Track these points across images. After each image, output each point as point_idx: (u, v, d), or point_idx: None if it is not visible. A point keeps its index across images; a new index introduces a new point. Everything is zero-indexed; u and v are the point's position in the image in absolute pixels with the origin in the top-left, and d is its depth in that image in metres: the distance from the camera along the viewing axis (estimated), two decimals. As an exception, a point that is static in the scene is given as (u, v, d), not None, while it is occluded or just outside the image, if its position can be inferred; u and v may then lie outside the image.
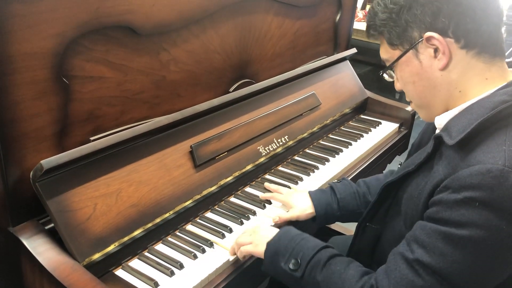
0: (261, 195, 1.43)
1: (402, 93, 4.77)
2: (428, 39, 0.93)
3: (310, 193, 1.36)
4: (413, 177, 1.02)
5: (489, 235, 0.82)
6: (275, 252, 1.07)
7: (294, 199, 1.35)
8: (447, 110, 1.00)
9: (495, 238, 0.83)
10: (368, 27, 1.04)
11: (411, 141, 2.08)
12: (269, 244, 1.09)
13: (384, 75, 1.08)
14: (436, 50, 0.94)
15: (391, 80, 1.08)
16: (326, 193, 1.35)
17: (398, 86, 1.06)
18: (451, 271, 0.85)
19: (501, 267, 0.87)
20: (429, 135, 1.13)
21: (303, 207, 1.33)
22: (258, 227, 1.18)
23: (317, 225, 1.35)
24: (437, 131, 1.03)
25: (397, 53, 1.00)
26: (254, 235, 1.15)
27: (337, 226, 2.22)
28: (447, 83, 0.96)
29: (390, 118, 2.06)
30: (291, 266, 1.04)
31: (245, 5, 1.54)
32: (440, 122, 1.00)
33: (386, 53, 1.03)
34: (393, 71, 1.05)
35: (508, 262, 0.87)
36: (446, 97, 0.98)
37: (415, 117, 2.07)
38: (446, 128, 0.95)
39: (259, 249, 1.11)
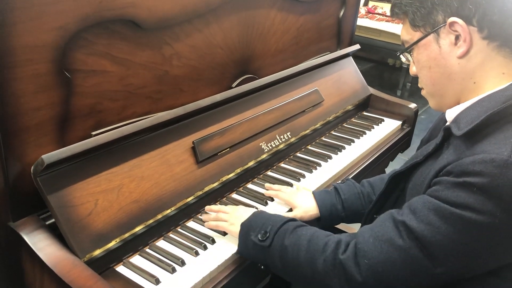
0: (265, 192, 1.42)
1: (403, 90, 4.77)
2: (452, 24, 0.93)
3: (314, 193, 1.35)
4: (419, 167, 1.03)
5: (481, 219, 0.84)
6: (247, 229, 1.13)
7: (298, 198, 1.34)
8: (458, 102, 0.99)
9: (486, 224, 0.84)
10: (393, 5, 1.03)
11: (414, 138, 2.07)
12: (242, 225, 1.15)
13: (401, 56, 1.07)
14: (457, 37, 0.93)
15: (407, 63, 1.07)
16: (331, 194, 1.34)
17: (413, 70, 1.05)
18: (433, 241, 0.87)
19: (484, 252, 0.87)
20: (438, 131, 1.13)
21: (307, 208, 1.32)
22: (237, 208, 1.25)
23: (321, 226, 1.34)
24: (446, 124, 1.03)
25: (418, 35, 0.99)
26: (231, 214, 1.22)
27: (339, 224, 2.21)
28: (463, 73, 0.95)
29: (393, 115, 2.04)
30: (260, 237, 1.09)
31: (249, 0, 1.52)
32: (451, 115, 1.00)
33: (407, 34, 1.02)
34: (411, 54, 1.04)
35: (493, 250, 0.87)
36: (460, 88, 0.97)
37: (418, 114, 2.06)
38: (455, 120, 0.95)
39: (233, 228, 1.18)
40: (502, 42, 0.92)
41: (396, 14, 1.03)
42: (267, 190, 1.44)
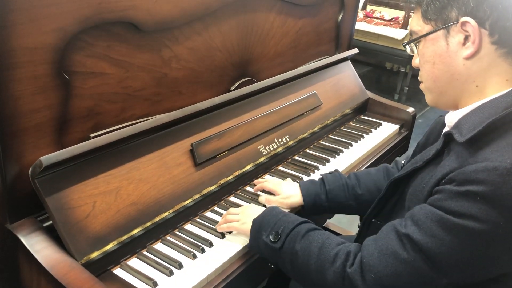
0: (254, 189, 1.44)
1: (401, 94, 4.78)
2: (464, 23, 0.91)
3: (300, 183, 1.38)
4: (419, 173, 1.02)
5: (485, 228, 0.83)
6: (259, 227, 1.13)
7: (283, 187, 1.37)
8: (456, 103, 0.99)
9: (490, 233, 0.83)
10: None
11: (411, 142, 2.07)
12: (254, 221, 1.15)
13: (406, 47, 1.05)
14: (466, 38, 0.92)
15: (411, 54, 1.06)
16: (316, 184, 1.37)
17: (415, 62, 1.04)
18: (437, 253, 0.87)
19: (489, 262, 0.87)
20: (435, 135, 1.13)
21: (292, 195, 1.35)
22: (247, 207, 1.25)
23: (305, 214, 1.35)
24: (446, 128, 1.03)
25: (428, 28, 0.97)
26: (242, 213, 1.22)
27: (335, 226, 2.21)
28: (466, 74, 0.94)
29: (391, 119, 2.05)
30: (271, 238, 1.09)
31: (248, 3, 1.52)
32: (450, 120, 0.99)
33: (417, 25, 1.00)
34: (417, 46, 1.02)
35: (498, 259, 0.87)
36: (461, 89, 0.96)
37: (416, 118, 2.06)
38: (457, 125, 0.95)
39: (245, 227, 1.17)
40: (510, 49, 0.91)
41: (409, 3, 1.02)
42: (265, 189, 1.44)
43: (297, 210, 1.37)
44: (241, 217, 1.21)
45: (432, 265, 0.88)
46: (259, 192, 1.43)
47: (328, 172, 1.43)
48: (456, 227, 0.85)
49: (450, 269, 0.87)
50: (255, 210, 1.21)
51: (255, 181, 1.47)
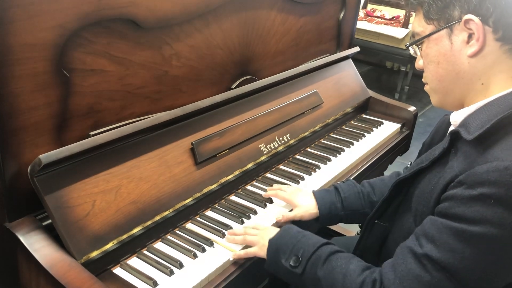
0: (264, 193, 1.41)
1: (401, 93, 4.77)
2: (467, 21, 0.90)
3: (314, 192, 1.34)
4: (425, 173, 1.00)
5: (502, 233, 0.81)
6: (277, 249, 1.08)
7: (298, 198, 1.33)
8: (461, 102, 0.98)
9: (509, 237, 0.81)
10: None
11: (413, 142, 2.07)
12: (270, 242, 1.10)
13: (409, 48, 1.04)
14: (470, 36, 0.91)
15: (414, 55, 1.04)
16: (330, 192, 1.34)
17: (419, 64, 1.03)
18: (460, 268, 0.84)
19: (511, 267, 0.85)
20: (440, 135, 1.12)
21: (307, 207, 1.31)
22: (266, 229, 1.18)
23: (320, 225, 1.33)
24: (451, 128, 1.02)
25: (431, 28, 0.96)
26: (260, 235, 1.16)
27: (338, 227, 2.20)
28: (471, 73, 0.93)
29: (392, 118, 2.04)
30: (291, 262, 1.04)
31: (249, 0, 1.51)
32: (456, 118, 0.98)
33: (419, 26, 0.99)
34: (420, 47, 1.01)
35: None
36: (466, 88, 0.95)
37: (417, 117, 2.05)
38: (463, 124, 0.93)
39: (264, 250, 1.11)
40: None
41: (411, 4, 0.99)
42: (267, 188, 1.42)
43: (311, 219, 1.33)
44: (259, 240, 1.14)
45: (456, 282, 0.85)
46: (275, 207, 1.37)
47: (341, 181, 1.40)
48: (474, 237, 0.82)
49: (476, 281, 0.85)
50: (273, 232, 1.14)
51: (268, 189, 1.42)
